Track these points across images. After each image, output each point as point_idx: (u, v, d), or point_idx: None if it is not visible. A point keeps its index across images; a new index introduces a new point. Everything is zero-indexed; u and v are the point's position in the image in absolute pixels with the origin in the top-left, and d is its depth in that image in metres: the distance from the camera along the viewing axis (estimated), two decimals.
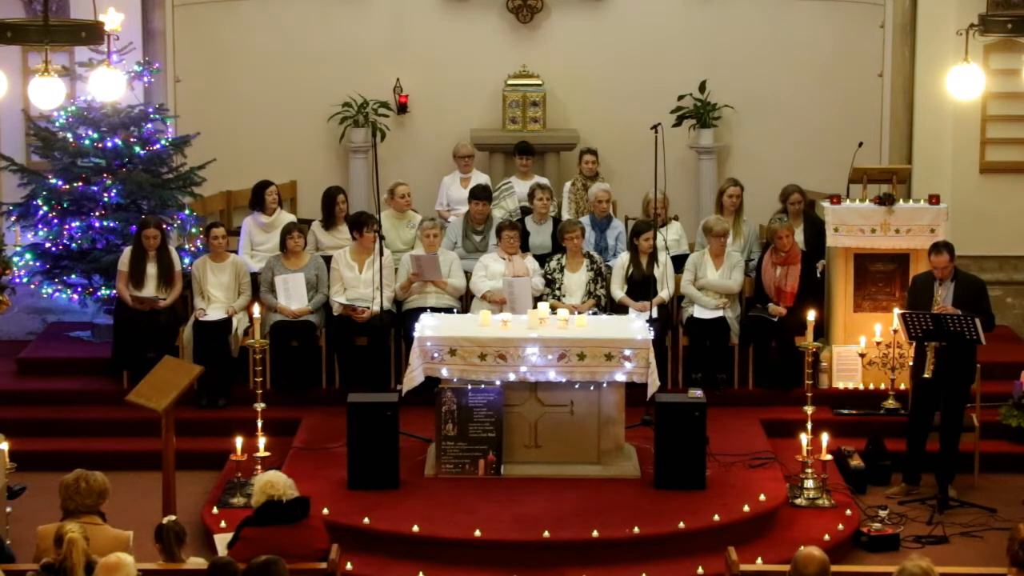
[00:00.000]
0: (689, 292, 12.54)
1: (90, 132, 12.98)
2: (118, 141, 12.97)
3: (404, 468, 10.60)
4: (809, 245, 12.99)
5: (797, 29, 14.68)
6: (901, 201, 12.54)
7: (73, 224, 12.99)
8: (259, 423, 10.62)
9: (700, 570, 9.39)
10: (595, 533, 9.65)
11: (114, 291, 12.68)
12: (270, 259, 12.64)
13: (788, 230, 12.41)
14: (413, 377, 10.72)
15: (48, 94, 9.78)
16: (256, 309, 10.87)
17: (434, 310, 11.95)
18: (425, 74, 14.75)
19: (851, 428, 11.87)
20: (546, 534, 9.63)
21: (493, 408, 10.64)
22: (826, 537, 9.86)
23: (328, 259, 12.62)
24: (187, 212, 13.40)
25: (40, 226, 13.05)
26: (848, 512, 10.39)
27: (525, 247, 12.78)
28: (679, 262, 12.78)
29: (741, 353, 12.47)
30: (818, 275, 12.72)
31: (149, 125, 13.21)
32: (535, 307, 11.18)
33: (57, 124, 13.08)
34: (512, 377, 10.63)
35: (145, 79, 13.30)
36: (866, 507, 10.60)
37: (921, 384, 10.87)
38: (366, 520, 9.83)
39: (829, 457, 10.79)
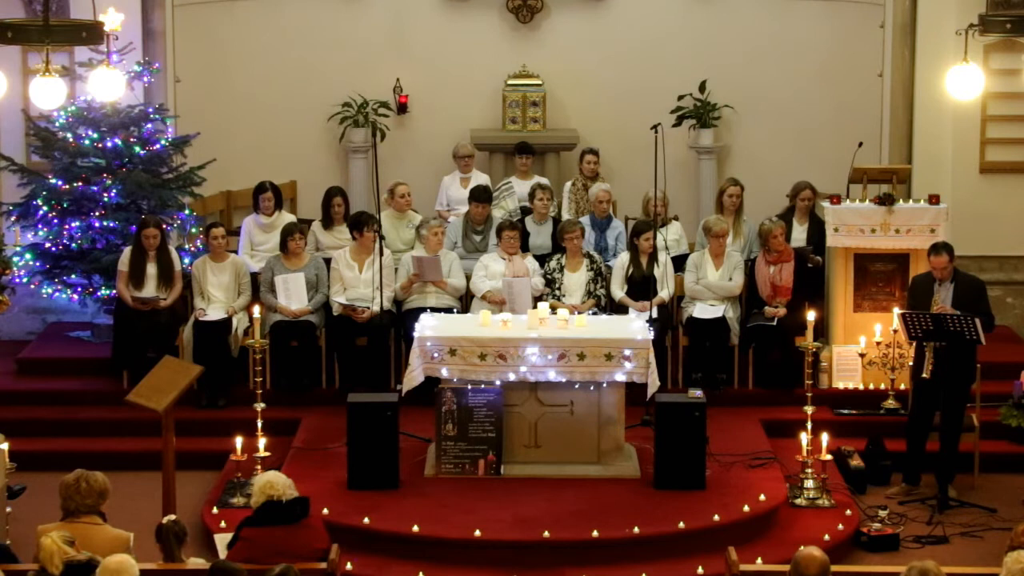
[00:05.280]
0: (695, 291, 12.53)
1: (90, 132, 12.98)
2: (118, 141, 12.97)
3: (404, 468, 10.60)
4: (813, 243, 12.99)
5: (797, 29, 14.68)
6: (901, 201, 12.54)
7: (73, 224, 12.99)
8: (259, 423, 10.62)
9: (700, 570, 9.39)
10: (595, 533, 9.65)
11: (114, 291, 12.68)
12: (270, 259, 12.64)
13: (781, 229, 12.43)
14: (413, 377, 10.72)
15: (49, 94, 9.80)
16: (256, 309, 10.88)
17: (434, 310, 11.95)
18: (425, 74, 14.75)
19: (851, 428, 11.87)
20: (546, 534, 9.63)
21: (493, 408, 10.64)
22: (826, 537, 9.86)
23: (328, 259, 12.63)
24: (187, 212, 13.40)
25: (40, 226, 13.05)
26: (848, 512, 10.39)
27: (525, 247, 12.78)
28: (679, 262, 12.78)
29: (741, 353, 12.47)
30: (810, 265, 12.69)
31: (149, 125, 13.21)
32: (535, 307, 11.18)
33: (57, 124, 13.08)
34: (512, 377, 10.63)
35: (145, 79, 13.30)
36: (866, 507, 10.60)
37: (921, 384, 10.87)
38: (366, 520, 9.82)
39: (829, 457, 10.79)
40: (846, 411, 12.13)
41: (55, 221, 13.02)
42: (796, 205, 13.14)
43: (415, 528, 9.71)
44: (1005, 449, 11.73)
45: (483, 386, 10.64)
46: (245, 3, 14.72)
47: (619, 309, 12.39)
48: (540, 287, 12.46)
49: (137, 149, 13.06)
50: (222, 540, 8.95)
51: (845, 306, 12.50)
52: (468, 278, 12.61)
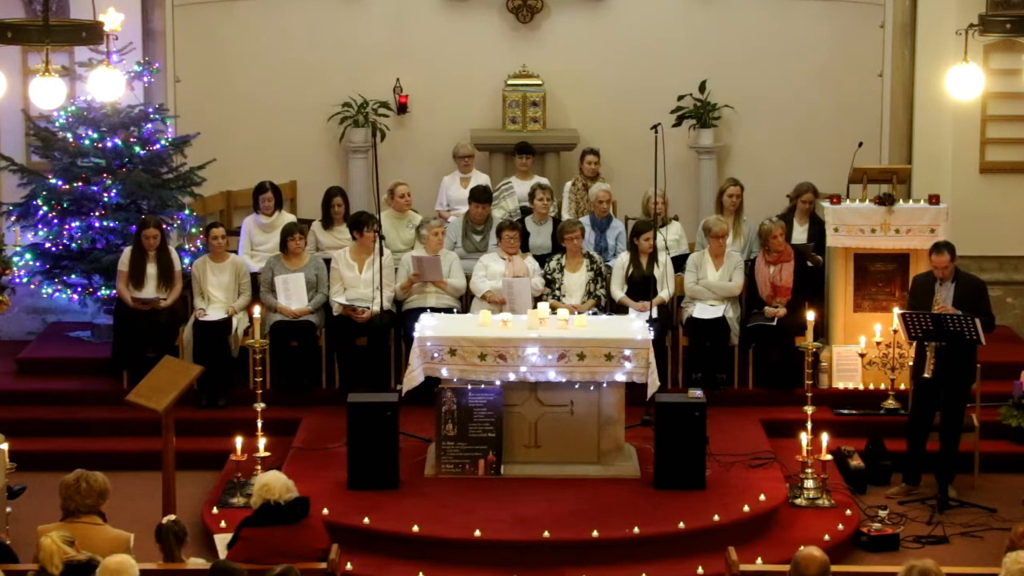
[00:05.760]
0: (695, 291, 12.53)
1: (90, 132, 12.98)
2: (118, 141, 12.97)
3: (404, 468, 10.60)
4: (813, 243, 12.98)
5: (797, 29, 14.68)
6: (901, 201, 12.54)
7: (73, 224, 12.99)
8: (259, 423, 10.62)
9: (700, 570, 9.39)
10: (595, 533, 9.65)
11: (114, 291, 12.68)
12: (270, 259, 12.64)
13: (781, 229, 12.44)
14: (413, 377, 10.72)
15: (49, 94, 9.80)
16: (256, 309, 10.88)
17: (434, 310, 11.95)
18: (425, 74, 14.75)
19: (851, 428, 11.87)
20: (546, 534, 9.63)
21: (493, 408, 10.63)
22: (826, 537, 9.86)
23: (328, 259, 12.63)
24: (187, 212, 13.40)
25: (40, 226, 13.05)
26: (848, 512, 10.39)
27: (525, 247, 12.78)
28: (679, 262, 12.78)
29: (741, 353, 12.47)
30: (810, 264, 12.68)
31: (149, 125, 13.21)
32: (535, 307, 11.18)
33: (57, 124, 13.08)
34: (512, 377, 10.63)
35: (145, 79, 13.30)
36: (866, 507, 10.60)
37: (921, 384, 10.87)
38: (366, 520, 9.82)
39: (829, 457, 10.79)
40: (846, 411, 12.13)
41: (55, 221, 13.02)
42: (797, 206, 13.13)
43: (415, 528, 9.71)
44: (1005, 449, 11.73)
45: (483, 386, 10.64)
46: (245, 3, 14.72)
47: (619, 309, 12.39)
48: (540, 287, 12.46)
49: (137, 149, 13.06)
50: (222, 540, 8.95)
51: (845, 306, 12.50)
52: (468, 278, 12.61)
